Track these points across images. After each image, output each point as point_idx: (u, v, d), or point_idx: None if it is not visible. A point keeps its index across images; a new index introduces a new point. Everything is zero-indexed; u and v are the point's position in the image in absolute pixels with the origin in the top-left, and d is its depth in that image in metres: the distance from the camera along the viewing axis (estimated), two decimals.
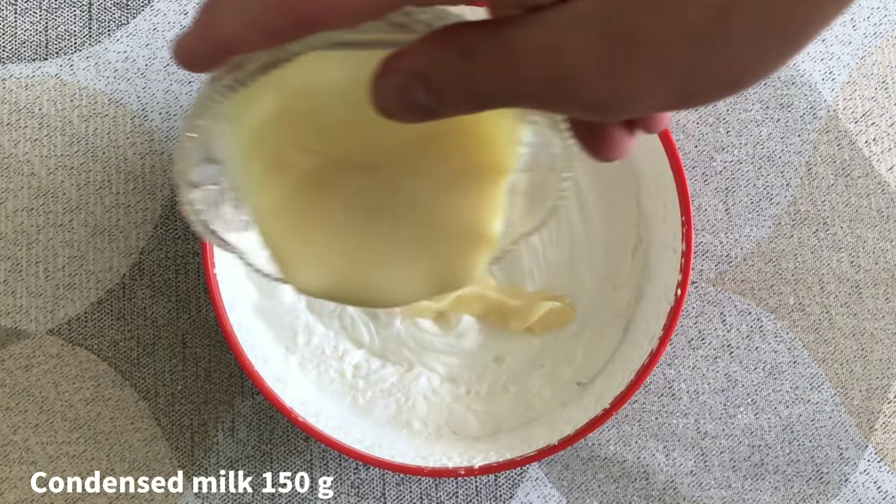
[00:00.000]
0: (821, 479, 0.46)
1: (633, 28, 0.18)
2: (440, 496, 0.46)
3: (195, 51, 0.22)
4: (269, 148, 0.26)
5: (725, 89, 0.19)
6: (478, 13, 0.22)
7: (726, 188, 0.47)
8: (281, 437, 0.46)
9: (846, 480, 0.46)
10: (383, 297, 0.28)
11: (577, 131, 0.24)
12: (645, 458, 0.46)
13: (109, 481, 0.45)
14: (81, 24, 0.48)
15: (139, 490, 0.45)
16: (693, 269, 0.47)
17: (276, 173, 0.26)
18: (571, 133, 0.24)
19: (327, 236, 0.27)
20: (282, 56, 0.21)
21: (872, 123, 0.48)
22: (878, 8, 0.48)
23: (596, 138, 0.24)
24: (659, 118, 0.24)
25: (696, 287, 0.47)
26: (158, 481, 0.45)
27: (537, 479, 0.46)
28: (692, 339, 0.47)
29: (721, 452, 0.46)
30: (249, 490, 0.46)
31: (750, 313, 0.47)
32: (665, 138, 0.41)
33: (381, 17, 0.20)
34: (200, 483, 0.46)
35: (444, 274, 0.28)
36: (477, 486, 0.46)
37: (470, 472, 0.41)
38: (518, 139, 0.26)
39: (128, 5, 0.48)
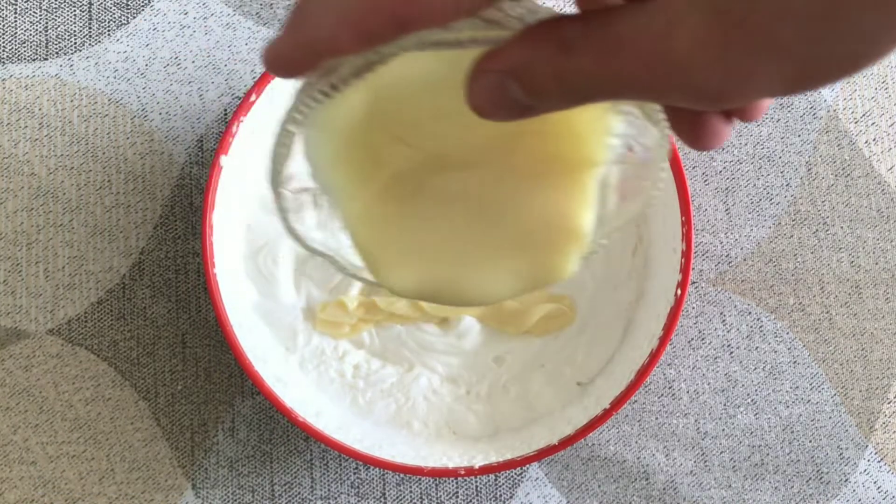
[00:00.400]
0: (821, 479, 0.46)
1: (748, 11, 0.17)
2: (440, 496, 0.46)
3: (288, 56, 0.21)
4: (359, 149, 0.26)
5: (844, 70, 0.18)
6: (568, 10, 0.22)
7: (726, 188, 0.47)
8: (281, 437, 0.46)
9: (846, 480, 0.46)
10: (476, 295, 0.28)
11: (673, 120, 0.24)
12: (645, 458, 0.46)
13: (109, 481, 0.45)
14: (81, 24, 0.48)
15: (139, 490, 0.45)
16: (693, 269, 0.47)
17: (366, 175, 0.26)
18: (667, 122, 0.24)
19: (418, 236, 0.27)
20: (375, 59, 0.21)
21: (872, 123, 0.48)
22: None
23: (693, 127, 0.23)
24: (761, 105, 0.23)
25: (696, 287, 0.47)
26: (158, 481, 0.45)
27: (537, 479, 0.46)
28: (692, 339, 0.47)
29: (721, 452, 0.46)
30: (249, 490, 0.46)
31: (750, 313, 0.47)
32: None
33: (475, 14, 0.20)
34: (200, 483, 0.46)
35: (535, 271, 0.28)
36: (477, 486, 0.46)
37: (470, 472, 0.41)
38: (609, 130, 0.25)
39: (128, 5, 0.48)
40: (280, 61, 0.22)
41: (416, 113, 0.25)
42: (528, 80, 0.20)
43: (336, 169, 0.26)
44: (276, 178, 0.25)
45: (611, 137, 0.26)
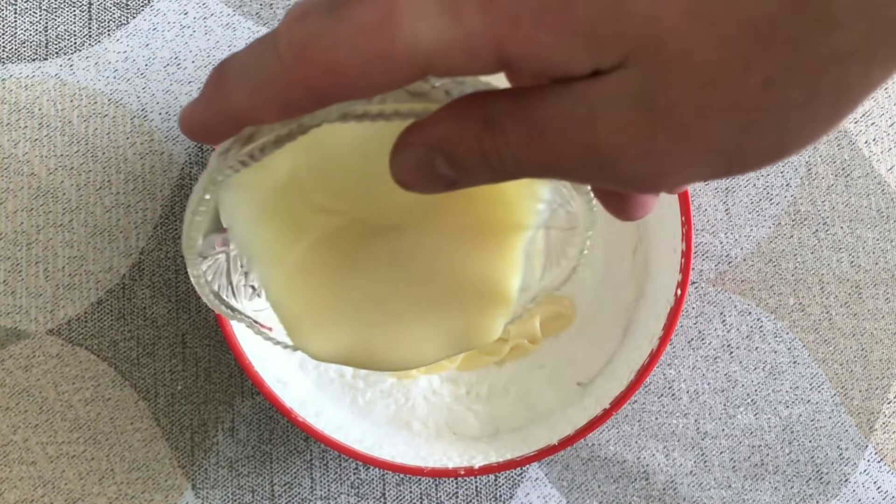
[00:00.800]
0: (821, 479, 0.46)
1: (676, 105, 0.17)
2: (440, 496, 0.46)
3: (204, 123, 0.21)
4: (280, 212, 0.25)
5: (770, 159, 0.18)
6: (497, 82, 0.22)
7: (726, 188, 0.47)
8: (281, 437, 0.46)
9: (846, 480, 0.46)
10: (399, 360, 0.28)
11: (600, 193, 0.24)
12: (645, 458, 0.46)
13: (109, 481, 0.45)
14: (81, 24, 0.48)
15: (139, 490, 0.45)
16: (693, 269, 0.47)
17: (287, 239, 0.26)
18: (592, 194, 0.24)
19: (340, 300, 0.27)
20: (296, 129, 0.21)
21: (872, 123, 0.48)
22: None
23: (621, 201, 0.23)
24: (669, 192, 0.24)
25: (696, 287, 0.47)
26: (158, 482, 0.45)
27: (537, 479, 0.46)
28: (692, 339, 0.47)
29: (721, 452, 0.46)
30: (249, 490, 0.46)
31: (750, 313, 0.47)
32: None
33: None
34: (200, 483, 0.46)
35: (460, 334, 0.27)
36: (477, 487, 0.46)
37: (470, 472, 0.41)
38: (536, 196, 0.25)
39: (128, 5, 0.48)
40: (197, 128, 0.21)
41: (342, 176, 0.25)
42: (453, 155, 0.20)
43: (256, 233, 0.26)
44: (191, 246, 0.25)
45: (538, 203, 0.26)
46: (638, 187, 0.19)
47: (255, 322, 0.28)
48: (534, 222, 0.26)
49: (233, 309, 0.28)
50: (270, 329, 0.29)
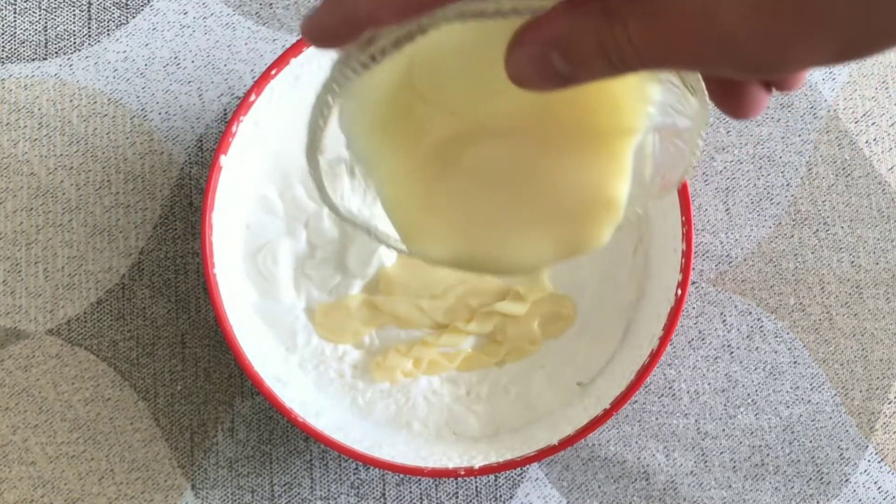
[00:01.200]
0: (821, 479, 0.46)
1: None
2: (440, 496, 0.46)
3: (328, 27, 0.22)
4: (396, 120, 0.26)
5: (890, 43, 0.18)
6: None
7: (726, 188, 0.47)
8: (281, 437, 0.46)
9: (847, 481, 0.46)
10: (508, 265, 0.28)
11: (712, 89, 0.24)
12: (645, 458, 0.46)
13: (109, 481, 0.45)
14: (81, 24, 0.48)
15: (139, 490, 0.45)
16: (693, 269, 0.47)
17: (404, 144, 0.26)
18: (705, 91, 0.24)
19: (452, 205, 0.27)
20: (415, 30, 0.21)
21: (873, 123, 0.48)
22: None
23: (733, 96, 0.23)
24: (801, 76, 0.24)
25: (696, 287, 0.47)
26: (157, 482, 0.45)
27: (537, 479, 0.46)
28: (692, 339, 0.47)
29: (721, 453, 0.46)
30: (249, 490, 0.46)
31: (750, 313, 0.47)
32: None
33: None
34: (200, 483, 0.46)
35: (569, 241, 0.27)
36: (477, 487, 0.46)
37: (470, 472, 0.41)
38: (647, 98, 0.25)
39: (127, 5, 0.48)
40: (320, 32, 0.22)
41: (454, 81, 0.25)
42: (571, 50, 0.20)
43: (373, 139, 0.26)
44: (314, 149, 0.25)
45: (649, 106, 0.25)
46: (760, 70, 0.19)
47: (369, 229, 0.29)
48: (643, 126, 0.26)
49: (349, 214, 0.29)
50: (388, 234, 0.29)
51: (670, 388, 0.46)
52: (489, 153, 0.26)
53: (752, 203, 0.47)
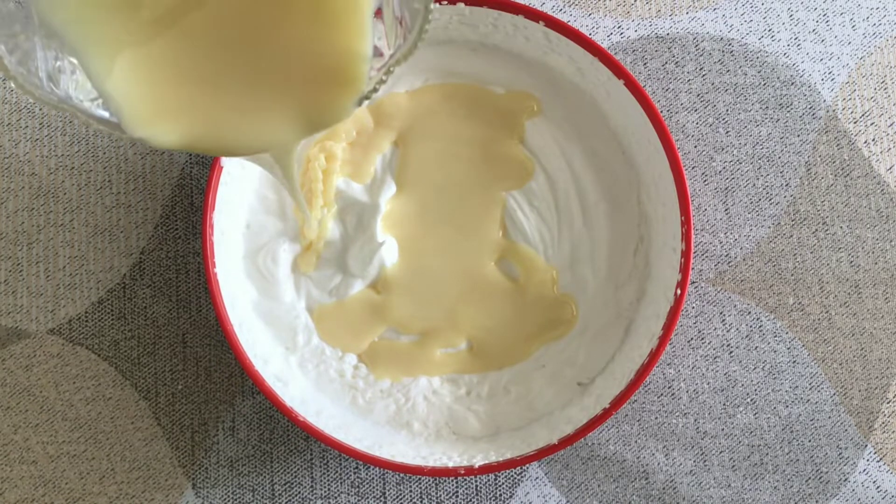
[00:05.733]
0: (820, 478, 0.46)
1: None
2: (440, 496, 0.46)
3: None
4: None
5: None
6: None
7: (726, 188, 0.47)
8: (281, 436, 0.46)
9: (845, 480, 0.46)
10: (247, 142, 0.26)
11: None
12: (644, 457, 0.46)
13: (110, 481, 0.45)
14: None
15: (139, 490, 0.45)
16: (693, 268, 0.47)
17: (117, 21, 0.23)
18: None
19: (179, 81, 0.25)
20: None
21: (872, 123, 0.48)
22: (877, 8, 0.49)
23: None
24: None
25: (695, 287, 0.47)
26: (158, 481, 0.45)
27: (537, 478, 0.46)
28: (692, 338, 0.47)
29: (720, 452, 0.46)
30: (250, 489, 0.46)
31: (749, 313, 0.47)
32: (665, 138, 0.41)
33: None
34: (201, 482, 0.46)
35: (309, 114, 0.25)
36: (477, 486, 0.46)
37: (470, 471, 0.41)
38: None
39: None
40: None
41: None
42: None
43: (83, 19, 0.23)
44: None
45: None
46: None
47: (80, 112, 0.26)
48: None
49: (46, 99, 0.25)
50: (108, 120, 0.26)
51: (670, 387, 0.47)
52: (216, 24, 0.24)
53: (752, 203, 0.47)
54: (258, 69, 0.25)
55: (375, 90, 0.25)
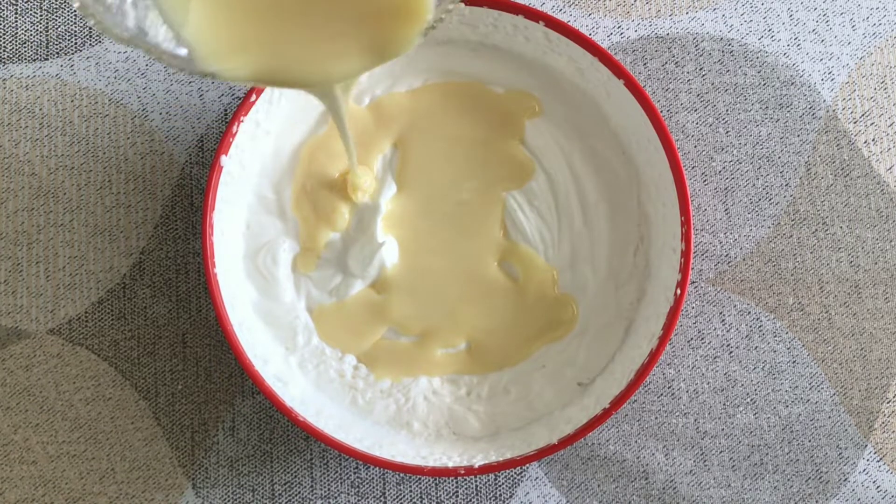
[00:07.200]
0: (820, 478, 0.46)
1: None
2: (440, 495, 0.46)
3: None
4: None
5: None
6: None
7: (726, 188, 0.47)
8: (281, 436, 0.46)
9: (845, 480, 0.46)
10: (315, 74, 0.26)
11: None
12: (644, 457, 0.46)
13: (110, 481, 0.45)
14: (82, 25, 0.48)
15: (139, 489, 0.46)
16: (693, 268, 0.47)
17: None
18: None
19: (252, 18, 0.26)
20: None
21: (871, 123, 0.48)
22: (877, 8, 0.49)
23: None
24: None
25: (695, 287, 0.47)
26: (158, 481, 0.45)
27: (537, 478, 0.46)
28: (692, 338, 0.47)
29: (720, 452, 0.46)
30: (250, 489, 0.46)
31: (749, 313, 0.47)
32: (665, 139, 0.41)
33: None
34: (201, 482, 0.46)
35: (376, 45, 0.26)
36: (477, 486, 0.46)
37: (470, 471, 0.41)
38: None
39: None
40: None
41: None
42: None
43: None
44: None
45: None
46: None
47: (156, 49, 0.26)
48: None
49: (122, 37, 0.26)
50: (179, 55, 0.27)
51: (669, 387, 0.47)
52: None
53: (751, 203, 0.47)
54: (325, 6, 0.26)
55: (441, 20, 0.26)
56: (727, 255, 0.47)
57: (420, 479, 0.46)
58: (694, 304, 0.47)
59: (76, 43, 0.48)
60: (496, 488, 0.46)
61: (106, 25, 0.25)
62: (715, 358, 0.47)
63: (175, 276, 0.47)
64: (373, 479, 0.46)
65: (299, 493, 0.46)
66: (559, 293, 0.45)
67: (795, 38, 0.48)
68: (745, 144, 0.48)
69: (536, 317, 0.45)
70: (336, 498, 0.46)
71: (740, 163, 0.48)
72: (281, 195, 0.45)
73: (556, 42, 0.42)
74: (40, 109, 0.47)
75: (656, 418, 0.46)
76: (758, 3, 0.48)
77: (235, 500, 0.46)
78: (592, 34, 0.48)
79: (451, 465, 0.41)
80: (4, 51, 0.47)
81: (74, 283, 0.46)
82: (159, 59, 0.26)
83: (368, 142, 0.45)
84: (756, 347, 0.47)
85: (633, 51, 0.48)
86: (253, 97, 0.41)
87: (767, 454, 0.46)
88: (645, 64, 0.48)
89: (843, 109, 0.48)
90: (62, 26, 0.48)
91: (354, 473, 0.46)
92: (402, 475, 0.46)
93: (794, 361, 0.47)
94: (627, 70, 0.41)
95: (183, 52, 0.26)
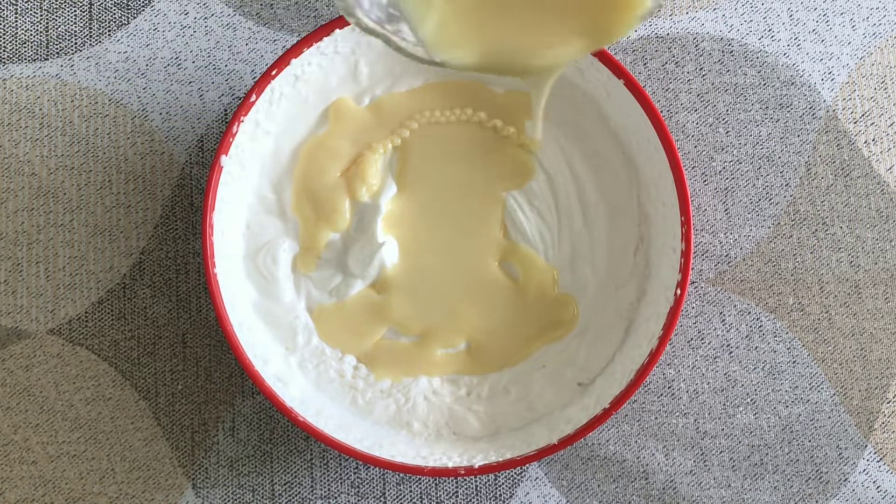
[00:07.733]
0: (820, 478, 0.46)
1: None
2: (440, 496, 0.46)
3: None
4: None
5: None
6: None
7: (726, 188, 0.47)
8: (281, 436, 0.46)
9: (845, 480, 0.46)
10: (535, 61, 0.28)
11: None
12: (644, 457, 0.46)
13: (110, 481, 0.45)
14: (82, 25, 0.48)
15: (139, 490, 0.46)
16: (693, 268, 0.47)
17: None
18: None
19: (478, 8, 0.27)
20: None
21: (872, 124, 0.48)
22: (877, 8, 0.49)
23: None
24: None
25: (695, 287, 0.47)
26: (158, 481, 0.45)
27: (537, 478, 0.46)
28: (692, 338, 0.47)
29: (720, 452, 0.46)
30: (250, 489, 0.46)
31: (749, 313, 0.47)
32: (665, 139, 0.41)
33: None
34: (201, 482, 0.46)
35: (595, 30, 0.27)
36: (477, 486, 0.46)
37: (470, 471, 0.41)
38: None
39: (128, 5, 0.48)
40: None
41: None
42: None
43: None
44: None
45: None
46: None
47: (391, 39, 0.29)
48: None
49: (369, 28, 0.28)
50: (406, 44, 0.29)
51: (669, 387, 0.47)
52: None
53: (751, 203, 0.47)
54: None
55: (661, 6, 0.27)
56: (727, 255, 0.47)
57: (420, 479, 0.46)
58: (694, 304, 0.47)
59: (76, 43, 0.48)
60: (496, 488, 0.46)
61: (356, 15, 0.28)
62: (715, 358, 0.47)
63: (175, 276, 0.47)
64: (373, 479, 0.46)
65: (299, 493, 0.46)
66: (559, 293, 0.45)
67: (795, 38, 0.48)
68: (745, 144, 0.48)
69: (536, 317, 0.45)
70: (336, 498, 0.46)
71: (740, 163, 0.48)
72: (281, 195, 0.45)
73: None
74: (40, 109, 0.47)
75: (656, 418, 0.46)
76: (758, 3, 0.48)
77: (235, 500, 0.46)
78: None
79: (451, 465, 0.41)
80: (4, 51, 0.47)
81: (74, 283, 0.46)
82: (397, 49, 0.28)
83: (368, 142, 0.45)
84: (756, 347, 0.47)
85: (633, 51, 0.48)
86: (253, 97, 0.41)
87: (767, 454, 0.46)
88: (645, 64, 0.48)
89: (843, 109, 0.48)
90: (62, 26, 0.48)
91: (354, 473, 0.46)
92: (402, 475, 0.46)
93: (794, 361, 0.47)
94: (627, 70, 0.41)
95: (415, 41, 0.28)
